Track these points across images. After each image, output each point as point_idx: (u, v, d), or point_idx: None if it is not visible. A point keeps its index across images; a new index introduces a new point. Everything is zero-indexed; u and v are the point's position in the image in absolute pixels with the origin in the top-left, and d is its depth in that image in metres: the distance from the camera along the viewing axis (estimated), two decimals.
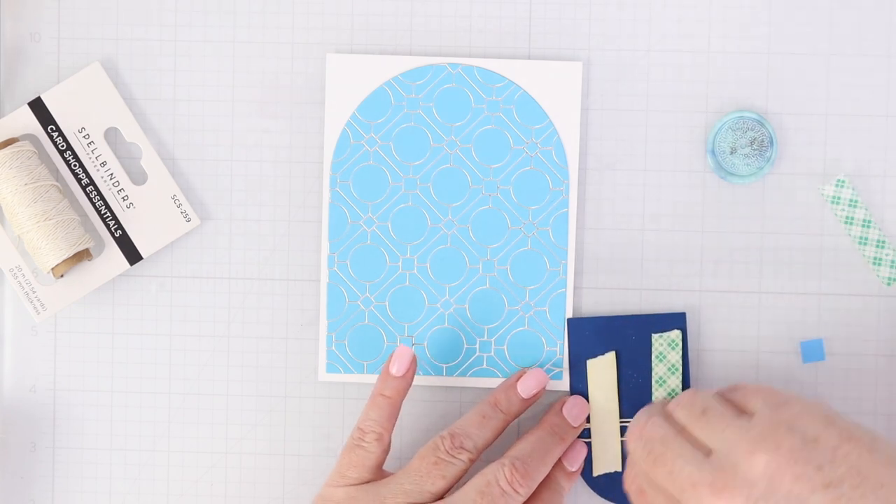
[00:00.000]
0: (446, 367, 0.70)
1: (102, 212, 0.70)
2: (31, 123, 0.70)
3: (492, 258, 0.70)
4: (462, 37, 0.70)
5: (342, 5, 0.70)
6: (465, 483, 0.65)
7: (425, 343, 0.70)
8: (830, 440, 0.57)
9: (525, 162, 0.70)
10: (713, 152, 0.69)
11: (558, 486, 0.68)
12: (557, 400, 0.69)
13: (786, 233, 0.70)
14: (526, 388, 0.68)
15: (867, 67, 0.69)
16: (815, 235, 0.70)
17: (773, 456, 0.57)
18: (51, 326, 0.72)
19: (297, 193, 0.71)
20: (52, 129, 0.70)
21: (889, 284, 0.70)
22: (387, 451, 0.66)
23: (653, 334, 0.69)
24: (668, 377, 0.69)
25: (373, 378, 0.70)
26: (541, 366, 0.70)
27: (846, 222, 0.70)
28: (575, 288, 0.70)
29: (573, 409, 0.68)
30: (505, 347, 0.70)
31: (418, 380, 0.70)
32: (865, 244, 0.70)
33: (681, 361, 0.69)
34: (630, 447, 0.63)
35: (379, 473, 0.66)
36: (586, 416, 0.69)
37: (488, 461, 0.66)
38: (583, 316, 0.70)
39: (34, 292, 0.70)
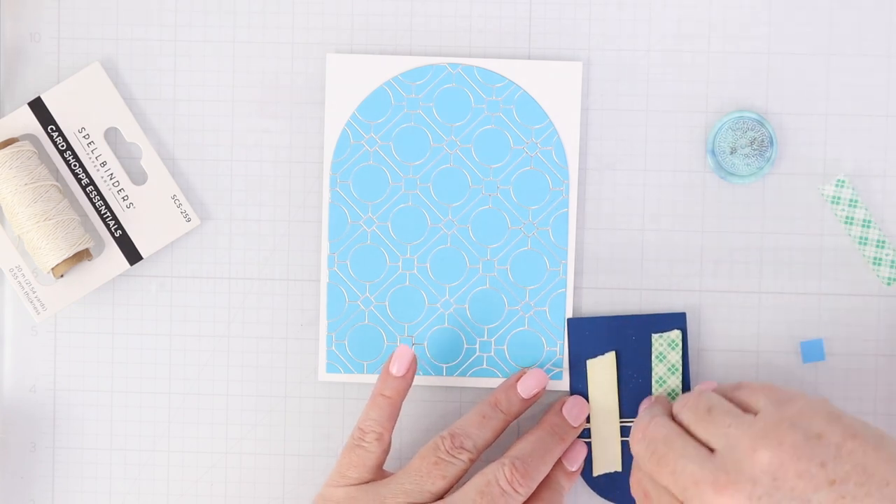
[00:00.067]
0: (446, 367, 0.70)
1: (102, 212, 0.70)
2: (31, 123, 0.70)
3: (492, 258, 0.70)
4: (462, 37, 0.70)
5: (342, 5, 0.70)
6: (465, 483, 0.65)
7: (425, 343, 0.70)
8: (834, 437, 0.57)
9: (525, 162, 0.70)
10: (713, 152, 0.69)
11: (558, 486, 0.68)
12: (557, 400, 0.69)
13: (786, 233, 0.70)
14: (526, 388, 0.68)
15: (867, 67, 0.69)
16: (815, 235, 0.70)
17: (775, 452, 0.57)
18: (51, 326, 0.72)
19: (297, 193, 0.71)
20: (52, 129, 0.70)
21: (889, 284, 0.70)
22: (387, 450, 0.66)
23: (653, 334, 0.69)
24: (668, 377, 0.69)
25: (373, 378, 0.70)
26: (541, 366, 0.70)
27: (846, 222, 0.70)
28: (575, 288, 0.70)
29: (573, 409, 0.68)
30: (505, 347, 0.70)
31: (418, 380, 0.70)
32: (865, 244, 0.70)
33: (681, 361, 0.69)
34: (633, 449, 0.63)
35: (379, 473, 0.66)
36: (586, 416, 0.69)
37: (488, 461, 0.66)
38: (583, 316, 0.70)
39: (34, 292, 0.70)
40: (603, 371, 0.70)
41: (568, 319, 0.70)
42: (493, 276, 0.70)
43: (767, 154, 0.69)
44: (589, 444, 0.70)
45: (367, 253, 0.70)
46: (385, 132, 0.70)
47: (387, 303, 0.70)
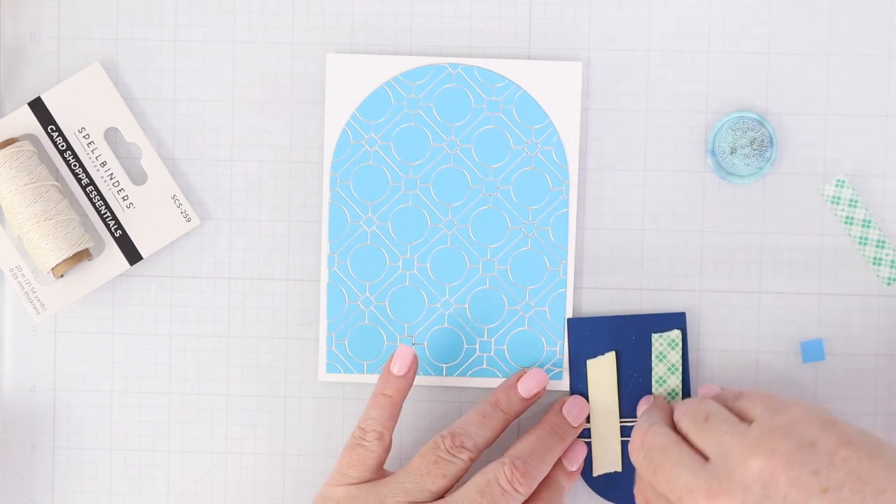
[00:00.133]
0: (446, 367, 0.70)
1: (102, 212, 0.70)
2: (31, 123, 0.70)
3: (492, 258, 0.70)
4: (462, 37, 0.70)
5: (342, 5, 0.70)
6: (465, 482, 0.65)
7: (425, 343, 0.70)
8: (828, 445, 0.56)
9: (525, 162, 0.70)
10: (713, 152, 0.69)
11: (558, 486, 0.68)
12: (557, 400, 0.69)
13: (786, 233, 0.70)
14: (526, 387, 0.68)
15: (867, 67, 0.70)
16: (815, 235, 0.70)
17: (767, 460, 0.57)
18: (51, 326, 0.72)
19: (297, 193, 0.71)
20: (52, 129, 0.70)
21: (889, 284, 0.70)
22: (387, 450, 0.66)
23: (653, 334, 0.69)
24: (668, 377, 0.69)
25: (373, 378, 0.70)
26: (541, 366, 0.70)
27: (846, 222, 0.70)
28: (575, 288, 0.70)
29: (573, 409, 0.69)
30: (505, 347, 0.70)
31: (418, 380, 0.70)
32: (865, 244, 0.70)
33: (681, 361, 0.69)
34: (632, 457, 0.63)
35: (379, 473, 0.66)
36: (586, 415, 0.69)
37: (488, 460, 0.66)
38: (583, 316, 0.70)
39: (34, 292, 0.70)
40: (603, 371, 0.70)
41: (568, 319, 0.70)
42: (493, 276, 0.70)
43: (767, 154, 0.69)
44: (589, 444, 0.70)
45: (367, 253, 0.70)
46: (385, 132, 0.70)
47: (387, 303, 0.70)
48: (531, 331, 0.70)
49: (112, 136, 0.71)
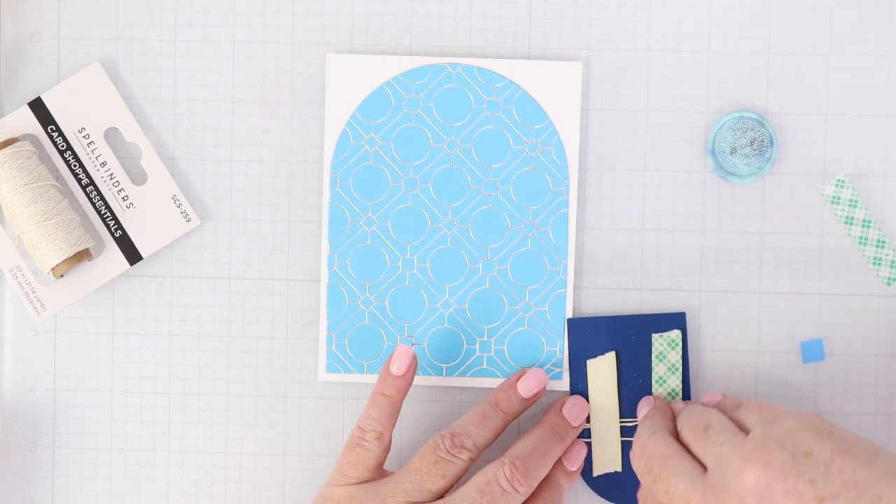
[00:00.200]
0: (446, 367, 0.70)
1: (102, 212, 0.70)
2: (31, 123, 0.70)
3: (492, 258, 0.70)
4: (462, 37, 0.70)
5: (342, 5, 0.70)
6: (465, 482, 0.65)
7: (425, 343, 0.70)
8: (823, 454, 0.56)
9: (525, 162, 0.70)
10: (713, 152, 0.69)
11: (558, 486, 0.68)
12: (557, 400, 0.69)
13: (786, 233, 0.70)
14: (526, 387, 0.68)
15: (867, 67, 0.69)
16: (815, 235, 0.70)
17: (762, 472, 0.57)
18: (51, 326, 0.72)
19: (297, 193, 0.71)
20: (52, 129, 0.70)
21: (889, 284, 0.70)
22: (387, 450, 0.66)
23: (653, 334, 0.69)
24: (668, 377, 0.69)
25: (373, 378, 0.70)
26: (541, 366, 0.70)
27: (846, 222, 0.70)
28: (575, 288, 0.70)
29: (573, 409, 0.69)
30: (505, 347, 0.70)
31: (418, 380, 0.70)
32: (865, 244, 0.70)
33: (681, 361, 0.69)
34: (633, 465, 0.64)
35: (379, 472, 0.66)
36: (586, 415, 0.69)
37: (488, 460, 0.66)
38: (583, 316, 0.70)
39: (34, 292, 0.70)
40: (603, 371, 0.70)
41: (568, 319, 0.70)
42: (493, 276, 0.70)
43: (767, 154, 0.69)
44: (589, 444, 0.70)
45: (367, 253, 0.70)
46: (385, 132, 0.70)
47: (387, 303, 0.70)
48: (531, 331, 0.70)
49: (112, 136, 0.71)
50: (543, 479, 0.67)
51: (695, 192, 0.70)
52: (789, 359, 0.70)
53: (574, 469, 0.69)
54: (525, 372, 0.69)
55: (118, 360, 0.72)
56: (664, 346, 0.69)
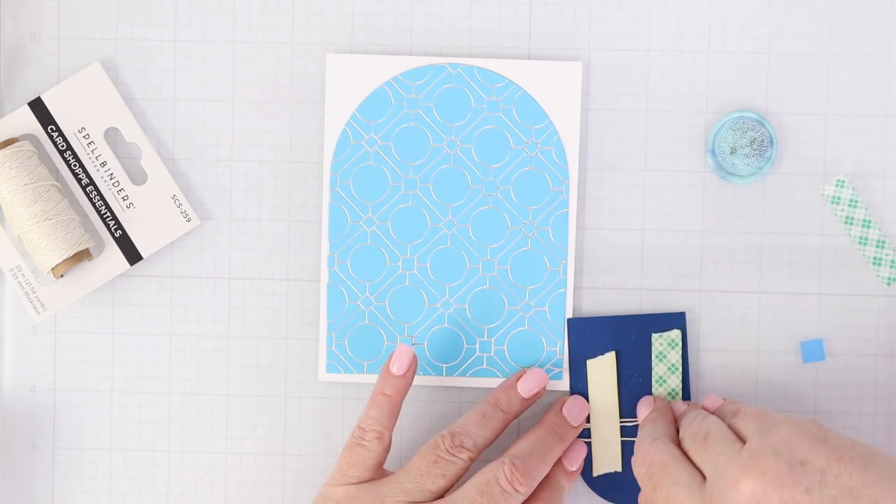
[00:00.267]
0: (446, 367, 0.70)
1: (102, 212, 0.70)
2: (31, 123, 0.70)
3: (492, 258, 0.70)
4: (462, 37, 0.70)
5: (342, 5, 0.70)
6: (465, 482, 0.65)
7: (425, 343, 0.70)
8: (819, 462, 0.56)
9: (525, 162, 0.70)
10: (713, 152, 0.69)
11: (558, 486, 0.68)
12: (557, 400, 0.69)
13: (786, 233, 0.70)
14: (526, 387, 0.68)
15: (867, 67, 0.69)
16: (815, 235, 0.70)
17: (758, 482, 0.57)
18: (51, 326, 0.72)
19: (297, 193, 0.71)
20: (52, 129, 0.70)
21: (889, 284, 0.70)
22: (387, 449, 0.66)
23: (653, 334, 0.69)
24: (668, 377, 0.69)
25: (373, 378, 0.70)
26: (541, 366, 0.70)
27: (846, 222, 0.70)
28: (575, 288, 0.70)
29: (573, 409, 0.69)
30: (505, 347, 0.70)
31: (418, 380, 0.70)
32: (865, 244, 0.70)
33: (681, 361, 0.69)
34: (634, 471, 0.64)
35: (379, 472, 0.66)
36: (586, 415, 0.69)
37: (488, 461, 0.66)
38: (583, 316, 0.70)
39: (34, 292, 0.70)
40: (603, 371, 0.70)
41: (568, 319, 0.70)
42: (493, 276, 0.70)
43: (767, 154, 0.69)
44: (589, 444, 0.70)
45: (367, 253, 0.70)
46: (385, 132, 0.70)
47: (387, 303, 0.70)
48: (531, 331, 0.70)
49: (112, 136, 0.71)
50: (543, 479, 0.67)
51: (695, 192, 0.70)
52: (789, 359, 0.70)
53: (574, 469, 0.69)
54: (525, 372, 0.69)
55: (118, 360, 0.72)
56: (664, 346, 0.69)
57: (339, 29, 0.71)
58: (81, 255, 0.69)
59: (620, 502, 0.70)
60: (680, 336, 0.69)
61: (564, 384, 0.70)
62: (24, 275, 0.70)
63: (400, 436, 0.71)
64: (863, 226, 0.69)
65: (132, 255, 0.71)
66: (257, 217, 0.71)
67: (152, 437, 0.72)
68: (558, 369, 0.70)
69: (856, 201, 0.69)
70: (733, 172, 0.69)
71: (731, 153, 0.69)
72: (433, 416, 0.71)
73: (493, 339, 0.70)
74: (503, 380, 0.70)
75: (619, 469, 0.70)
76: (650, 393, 0.69)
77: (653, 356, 0.69)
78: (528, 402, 0.68)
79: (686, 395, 0.69)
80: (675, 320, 0.70)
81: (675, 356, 0.69)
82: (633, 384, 0.70)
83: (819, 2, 0.69)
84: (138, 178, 0.71)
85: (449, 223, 0.70)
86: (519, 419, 0.70)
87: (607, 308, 0.70)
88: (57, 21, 0.71)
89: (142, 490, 0.72)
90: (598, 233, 0.70)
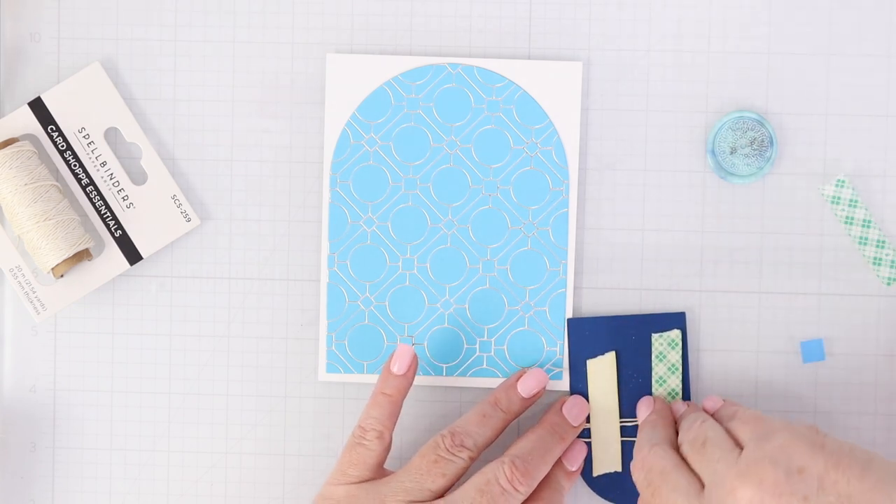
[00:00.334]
0: (446, 367, 0.70)
1: (102, 212, 0.70)
2: (31, 123, 0.70)
3: (492, 258, 0.70)
4: (462, 37, 0.70)
5: (342, 5, 0.70)
6: (465, 481, 0.65)
7: (425, 343, 0.70)
8: (816, 469, 0.56)
9: (525, 162, 0.70)
10: (713, 152, 0.69)
11: (558, 486, 0.68)
12: (557, 400, 0.69)
13: (786, 233, 0.70)
14: (526, 387, 0.68)
15: (867, 67, 0.70)
16: (815, 235, 0.70)
17: (756, 491, 0.57)
18: (51, 326, 0.72)
19: (297, 193, 0.71)
20: (52, 129, 0.70)
21: (889, 284, 0.70)
22: (388, 449, 0.66)
23: (653, 334, 0.69)
24: (668, 377, 0.69)
25: (373, 378, 0.70)
26: (541, 366, 0.70)
27: (846, 222, 0.70)
28: (575, 288, 0.70)
29: (573, 409, 0.69)
30: (505, 347, 0.70)
31: (418, 380, 0.70)
32: (865, 244, 0.70)
33: (681, 361, 0.69)
34: (633, 476, 0.64)
35: (380, 472, 0.66)
36: (586, 415, 0.69)
37: (488, 460, 0.66)
38: (583, 316, 0.70)
39: (34, 292, 0.70)
40: (603, 371, 0.70)
41: (568, 319, 0.70)
42: (493, 276, 0.70)
43: (767, 154, 0.69)
44: (589, 444, 0.70)
45: (367, 253, 0.70)
46: (385, 132, 0.70)
47: (387, 303, 0.70)
48: (531, 331, 0.70)
49: (112, 136, 0.71)
50: (543, 479, 0.67)
51: (695, 192, 0.70)
52: (789, 359, 0.70)
53: (574, 469, 0.69)
54: (525, 372, 0.69)
55: (118, 360, 0.72)
56: (664, 346, 0.69)
57: (339, 29, 0.71)
58: (81, 255, 0.69)
59: (620, 502, 0.70)
60: (680, 336, 0.69)
61: (564, 384, 0.70)
62: (24, 275, 0.70)
63: (400, 436, 0.71)
64: (863, 226, 0.69)
65: (132, 255, 0.71)
66: (257, 217, 0.71)
67: (152, 437, 0.72)
68: (558, 369, 0.70)
69: (856, 201, 0.69)
70: (733, 172, 0.69)
71: (731, 153, 0.69)
72: (433, 416, 0.71)
73: (493, 339, 0.70)
74: (503, 380, 0.70)
75: (619, 469, 0.70)
76: (650, 393, 0.69)
77: (653, 356, 0.69)
78: (529, 402, 0.68)
79: (686, 395, 0.69)
80: (675, 320, 0.70)
81: (675, 356, 0.69)
82: (633, 384, 0.70)
83: (819, 2, 0.69)
84: (138, 178, 0.71)
85: (449, 223, 0.70)
86: (519, 419, 0.70)
87: (607, 308, 0.70)
88: (57, 21, 0.71)
89: (142, 490, 0.72)
90: (598, 233, 0.70)
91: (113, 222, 0.70)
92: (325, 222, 0.70)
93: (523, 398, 0.68)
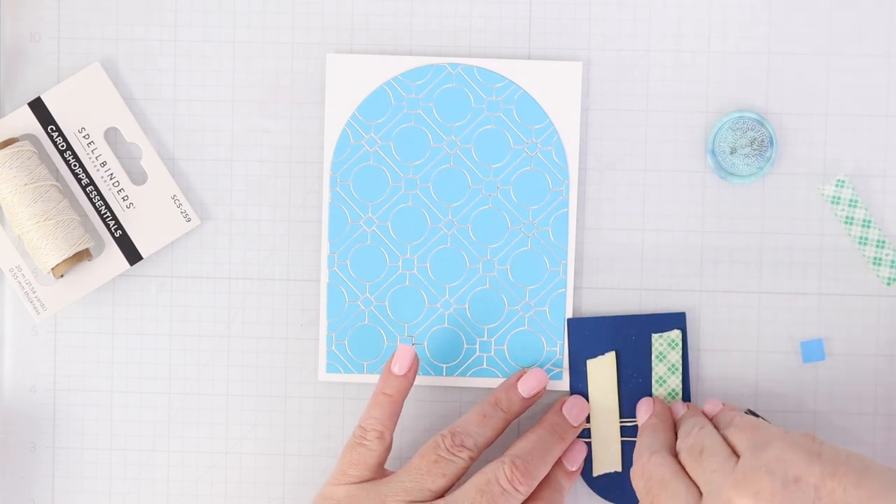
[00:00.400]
0: (446, 367, 0.70)
1: (102, 212, 0.70)
2: (31, 123, 0.70)
3: (492, 258, 0.70)
4: (462, 37, 0.70)
5: (342, 5, 0.70)
6: (465, 481, 0.65)
7: (425, 343, 0.70)
8: (813, 478, 0.56)
9: (525, 162, 0.70)
10: (713, 152, 0.70)
11: (558, 486, 0.68)
12: (557, 400, 0.69)
13: (786, 233, 0.70)
14: (526, 387, 0.68)
15: (867, 67, 0.70)
16: (815, 235, 0.70)
17: (752, 501, 0.57)
18: (51, 326, 0.72)
19: (297, 193, 0.71)
20: (52, 129, 0.70)
21: (889, 284, 0.70)
22: (388, 449, 0.66)
23: (653, 334, 0.69)
24: (668, 377, 0.69)
25: (373, 378, 0.70)
26: (541, 366, 0.70)
27: (846, 222, 0.70)
28: (575, 288, 0.70)
29: (573, 409, 0.69)
30: (505, 347, 0.70)
31: (418, 380, 0.70)
32: (865, 244, 0.70)
33: (681, 361, 0.69)
34: (633, 483, 0.64)
35: (380, 472, 0.66)
36: (586, 415, 0.69)
37: (488, 460, 0.66)
38: (583, 316, 0.70)
39: (34, 292, 0.70)
40: (603, 371, 0.70)
41: (568, 319, 0.70)
42: (493, 276, 0.70)
43: (767, 154, 0.69)
44: (589, 444, 0.70)
45: (367, 253, 0.70)
46: (385, 132, 0.70)
47: (387, 303, 0.70)
48: (531, 331, 0.70)
49: (112, 136, 0.71)
50: (543, 479, 0.67)
51: (695, 192, 0.70)
52: (789, 359, 0.70)
53: (574, 469, 0.69)
54: (525, 372, 0.69)
55: (118, 360, 0.72)
56: (664, 346, 0.69)
57: (339, 29, 0.71)
58: (81, 255, 0.69)
59: (620, 502, 0.70)
60: (680, 336, 0.69)
61: (564, 384, 0.70)
62: (24, 275, 0.70)
63: (400, 436, 0.71)
64: (863, 226, 0.69)
65: (132, 255, 0.71)
66: (257, 217, 0.71)
67: (152, 437, 0.72)
68: (558, 369, 0.70)
69: (856, 201, 0.69)
70: (733, 172, 0.69)
71: (731, 153, 0.69)
72: (433, 416, 0.71)
73: (493, 339, 0.70)
74: (503, 380, 0.70)
75: (619, 469, 0.70)
76: (650, 393, 0.69)
77: (653, 356, 0.69)
78: (529, 402, 0.68)
79: (686, 396, 0.69)
80: (675, 320, 0.70)
81: (675, 356, 0.69)
82: (633, 384, 0.70)
83: (819, 2, 0.69)
84: (138, 178, 0.71)
85: (449, 223, 0.70)
86: (519, 419, 0.70)
87: (607, 308, 0.70)
88: (57, 21, 0.71)
89: (142, 490, 0.72)
90: (598, 233, 0.70)
91: (113, 222, 0.70)
92: (325, 222, 0.70)
93: (523, 398, 0.68)
